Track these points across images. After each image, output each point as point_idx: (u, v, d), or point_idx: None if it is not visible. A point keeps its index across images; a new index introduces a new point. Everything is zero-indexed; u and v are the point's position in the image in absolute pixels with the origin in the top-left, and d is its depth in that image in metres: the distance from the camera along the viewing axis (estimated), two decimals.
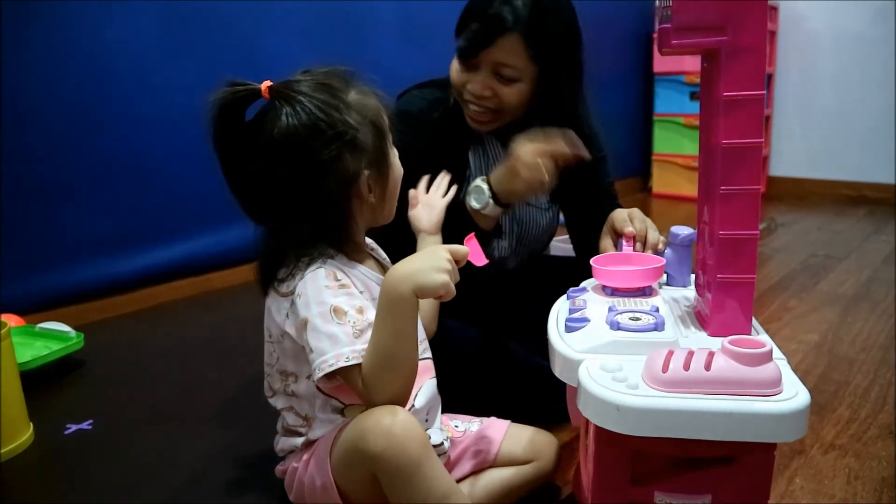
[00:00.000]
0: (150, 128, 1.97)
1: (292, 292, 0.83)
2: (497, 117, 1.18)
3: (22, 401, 1.25)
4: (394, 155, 0.90)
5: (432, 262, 0.77)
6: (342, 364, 0.78)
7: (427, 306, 1.02)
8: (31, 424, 1.27)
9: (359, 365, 0.78)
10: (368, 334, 0.79)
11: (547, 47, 1.12)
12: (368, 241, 0.99)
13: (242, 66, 2.13)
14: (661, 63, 3.53)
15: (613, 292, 0.89)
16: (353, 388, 0.81)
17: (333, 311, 0.80)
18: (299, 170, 0.82)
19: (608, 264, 0.93)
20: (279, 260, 0.87)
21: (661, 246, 1.04)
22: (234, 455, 1.18)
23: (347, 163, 0.83)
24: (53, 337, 1.61)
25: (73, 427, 1.30)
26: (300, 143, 0.81)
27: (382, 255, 1.01)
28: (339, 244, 0.88)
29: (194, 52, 2.04)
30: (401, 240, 1.01)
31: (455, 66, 1.16)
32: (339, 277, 0.83)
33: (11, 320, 1.58)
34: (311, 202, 0.84)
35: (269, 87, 0.84)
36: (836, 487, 1.05)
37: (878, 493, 1.03)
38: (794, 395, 0.66)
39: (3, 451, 1.18)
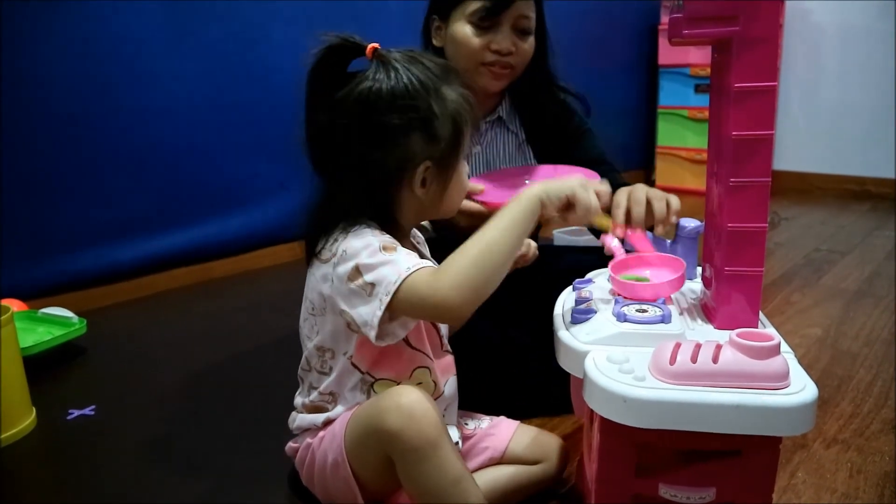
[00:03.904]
0: (153, 117, 1.96)
1: (335, 254, 0.81)
2: (512, 74, 1.24)
3: (24, 386, 1.25)
4: (463, 166, 0.88)
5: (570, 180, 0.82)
6: (405, 275, 0.76)
7: None
8: (34, 409, 1.27)
9: (421, 270, 0.76)
10: (423, 262, 0.78)
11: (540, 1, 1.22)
12: (415, 231, 0.99)
13: (246, 58, 2.13)
14: (666, 55, 3.51)
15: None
16: (417, 296, 0.76)
17: (383, 247, 0.79)
18: (366, 130, 0.81)
19: (625, 267, 0.90)
20: (325, 230, 0.85)
21: (673, 219, 1.00)
22: (235, 441, 1.19)
23: (413, 142, 0.82)
24: (56, 322, 1.61)
25: (76, 412, 1.30)
26: (377, 105, 0.80)
27: (426, 252, 0.99)
28: (382, 222, 0.85)
29: (196, 42, 2.03)
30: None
31: (468, 33, 1.18)
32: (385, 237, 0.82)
33: (14, 305, 1.58)
34: (365, 167, 0.82)
35: (375, 50, 0.83)
36: (838, 482, 1.04)
37: (880, 487, 1.03)
38: (801, 388, 0.66)
39: (5, 435, 1.18)
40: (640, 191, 1.01)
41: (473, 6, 1.17)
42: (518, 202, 0.80)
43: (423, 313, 0.80)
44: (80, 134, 1.83)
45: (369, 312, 0.77)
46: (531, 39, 1.22)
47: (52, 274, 1.82)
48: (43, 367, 1.47)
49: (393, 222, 0.87)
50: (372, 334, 0.78)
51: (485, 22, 1.17)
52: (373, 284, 0.77)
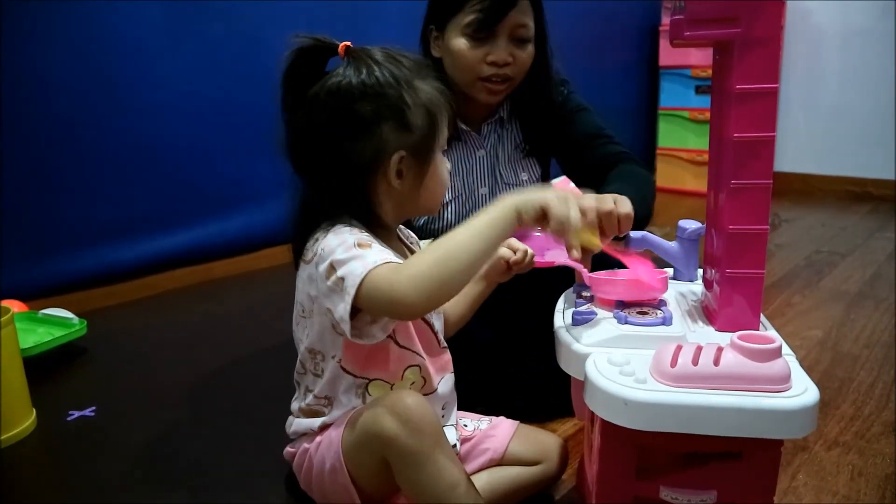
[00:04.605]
0: (153, 117, 1.96)
1: (315, 254, 0.82)
2: (510, 86, 1.22)
3: (25, 387, 1.25)
4: (440, 159, 0.87)
5: (551, 191, 0.77)
6: (370, 268, 0.75)
7: (469, 294, 1.00)
8: (34, 410, 1.27)
9: (385, 265, 0.75)
10: (395, 258, 0.78)
11: (539, 4, 1.19)
12: (408, 232, 0.99)
13: (246, 58, 2.13)
14: (667, 56, 3.51)
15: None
16: (376, 290, 0.75)
17: (357, 244, 0.78)
18: (338, 121, 0.82)
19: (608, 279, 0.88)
20: (310, 232, 0.85)
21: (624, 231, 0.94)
22: (236, 442, 1.19)
23: (386, 133, 0.82)
24: (56, 323, 1.61)
25: (76, 414, 1.30)
26: (347, 95, 0.81)
27: (418, 249, 0.99)
28: (364, 220, 0.85)
29: (197, 41, 2.03)
30: None
31: (464, 46, 1.16)
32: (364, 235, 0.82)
33: (14, 306, 1.58)
34: (340, 160, 0.83)
35: (347, 47, 0.84)
36: (839, 484, 1.04)
37: (881, 489, 1.03)
38: (803, 391, 0.66)
39: (5, 436, 1.18)
40: (590, 206, 0.93)
41: (468, 18, 1.14)
42: (493, 208, 0.77)
43: (381, 308, 0.78)
44: (80, 134, 1.82)
45: (343, 308, 0.77)
46: (530, 47, 1.20)
47: (52, 274, 1.81)
48: (43, 368, 1.47)
49: (375, 218, 0.86)
50: (346, 329, 0.78)
51: (480, 34, 1.15)
52: (342, 279, 0.77)
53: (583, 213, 0.82)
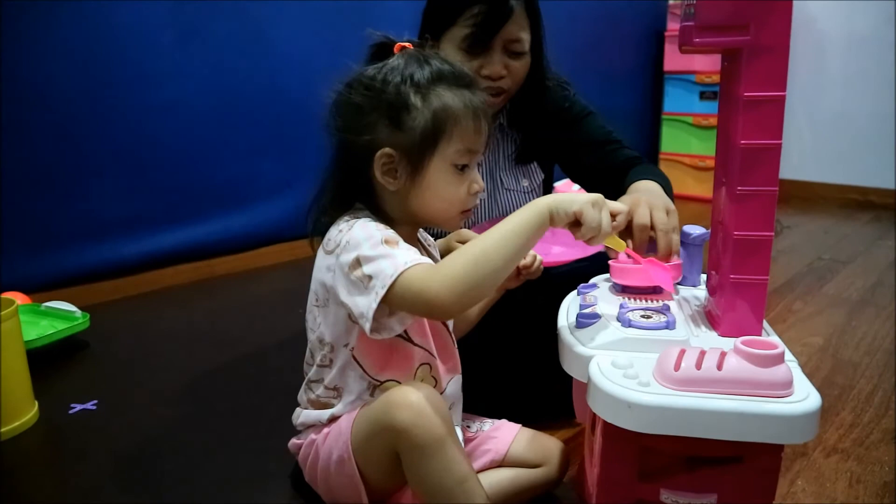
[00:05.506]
0: (158, 113, 1.97)
1: (339, 245, 0.82)
2: (505, 97, 1.22)
3: (28, 379, 1.26)
4: (445, 171, 0.84)
5: (584, 195, 0.77)
6: (401, 269, 0.75)
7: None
8: (36, 403, 1.27)
9: (417, 266, 0.76)
10: (422, 258, 0.78)
11: (536, 14, 1.18)
12: (426, 235, 0.99)
13: (252, 55, 2.13)
14: (671, 61, 3.52)
15: (624, 289, 0.89)
16: (410, 291, 0.75)
17: (385, 241, 0.79)
18: (339, 107, 0.86)
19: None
20: (325, 214, 0.87)
21: (675, 258, 0.94)
22: (237, 438, 1.19)
23: (379, 127, 0.83)
24: (59, 316, 1.61)
25: (78, 407, 1.30)
26: (354, 84, 0.85)
27: (436, 254, 0.99)
28: (373, 211, 0.87)
29: (201, 40, 2.03)
30: None
31: (458, 59, 1.13)
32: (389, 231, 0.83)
33: (17, 298, 1.58)
34: (343, 143, 0.86)
35: (402, 47, 0.87)
36: (837, 491, 1.05)
37: (879, 497, 1.03)
38: (805, 397, 0.66)
39: (7, 429, 1.19)
40: (644, 212, 0.93)
41: (462, 32, 1.13)
42: (527, 210, 0.77)
43: (415, 308, 0.79)
44: (85, 130, 1.83)
45: (366, 304, 0.77)
46: (525, 58, 1.19)
47: (55, 268, 1.82)
48: (45, 361, 1.47)
49: (382, 214, 0.87)
50: (367, 326, 0.78)
51: (474, 48, 1.14)
52: (370, 277, 0.77)
53: (613, 217, 0.82)
